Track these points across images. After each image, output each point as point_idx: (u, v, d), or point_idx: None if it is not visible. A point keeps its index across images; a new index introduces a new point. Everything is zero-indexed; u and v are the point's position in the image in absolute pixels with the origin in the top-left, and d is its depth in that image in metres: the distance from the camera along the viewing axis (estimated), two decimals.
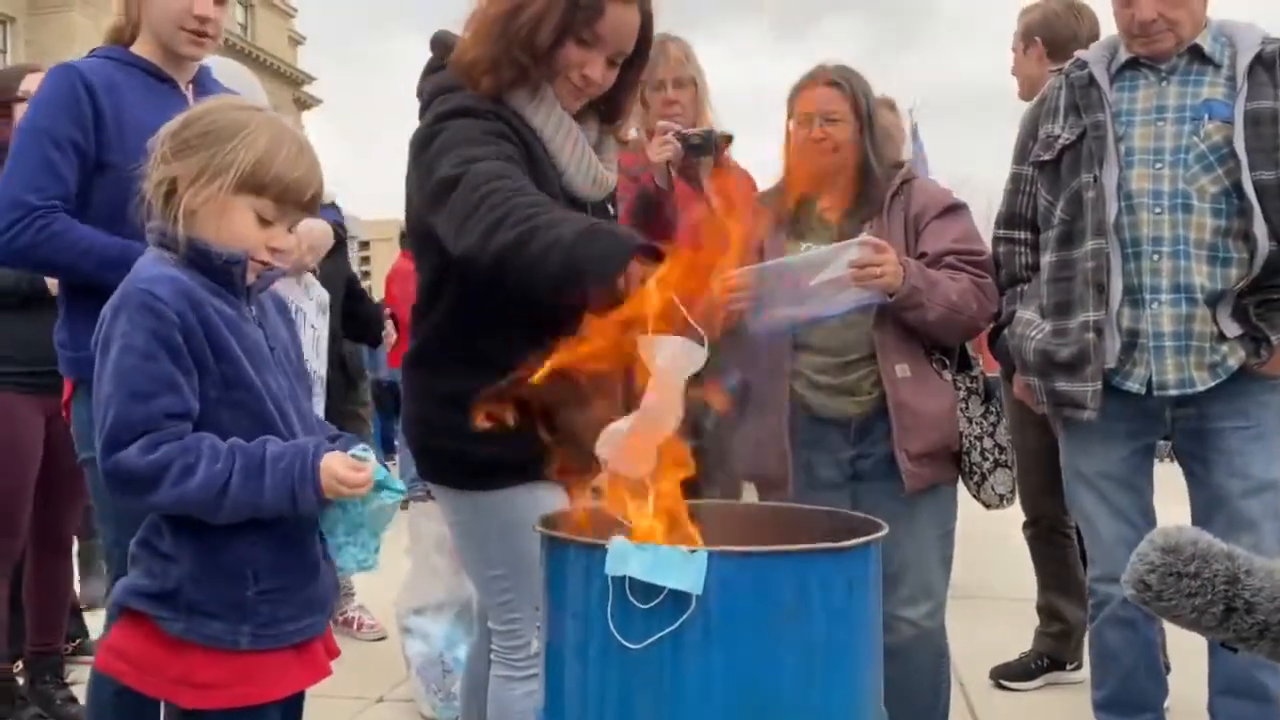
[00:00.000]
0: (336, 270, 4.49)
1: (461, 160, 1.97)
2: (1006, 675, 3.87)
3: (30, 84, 3.49)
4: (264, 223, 1.78)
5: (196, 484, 1.64)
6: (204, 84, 2.61)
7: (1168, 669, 3.36)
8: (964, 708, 3.66)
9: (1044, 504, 3.78)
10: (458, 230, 1.91)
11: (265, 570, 1.74)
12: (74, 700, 3.58)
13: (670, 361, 1.65)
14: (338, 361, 4.54)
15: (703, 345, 1.67)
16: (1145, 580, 1.48)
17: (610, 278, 1.74)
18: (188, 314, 1.69)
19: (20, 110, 3.40)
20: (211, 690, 1.71)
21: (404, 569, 3.74)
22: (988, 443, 2.82)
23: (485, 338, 2.10)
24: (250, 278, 1.82)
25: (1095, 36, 3.65)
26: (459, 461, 2.12)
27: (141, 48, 2.53)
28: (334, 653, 1.93)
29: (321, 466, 1.73)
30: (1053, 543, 3.86)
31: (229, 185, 1.73)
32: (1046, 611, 3.91)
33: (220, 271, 1.77)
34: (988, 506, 2.89)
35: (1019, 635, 4.02)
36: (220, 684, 1.71)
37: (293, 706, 1.91)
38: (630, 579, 1.47)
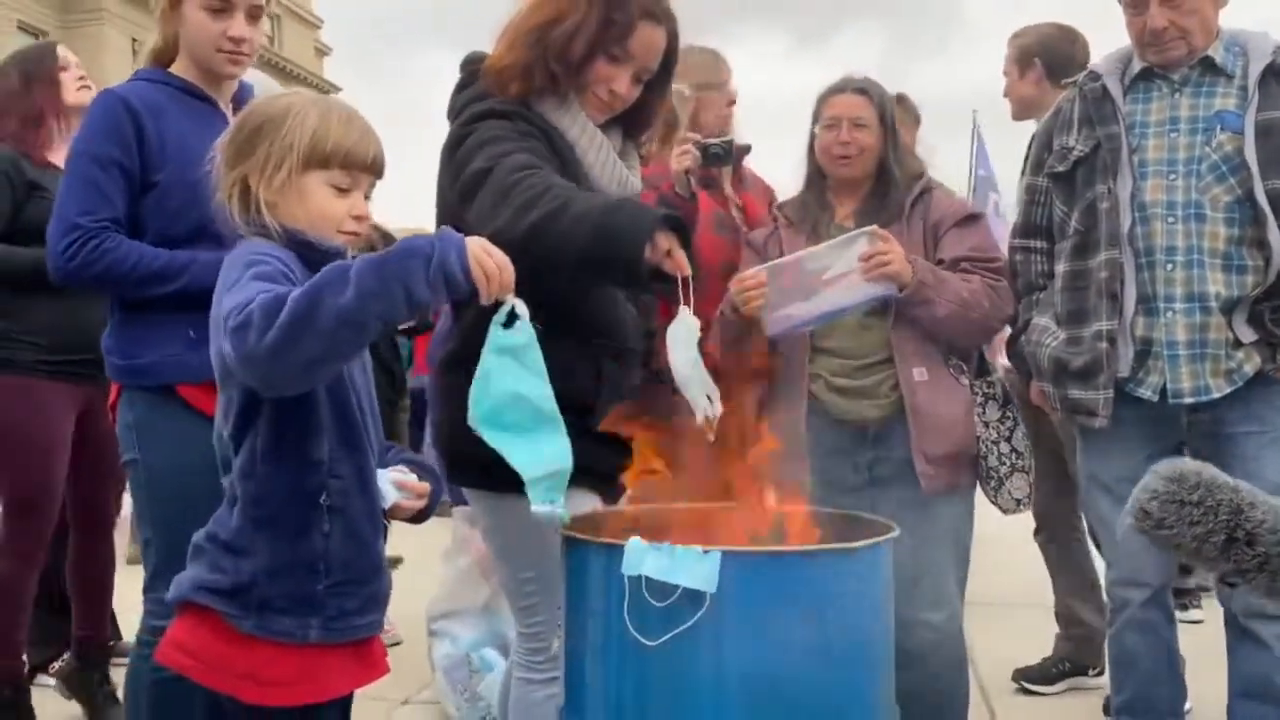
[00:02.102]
0: None
1: (493, 155, 2.05)
2: (1028, 677, 3.88)
3: (64, 51, 3.55)
4: (340, 193, 1.80)
5: (316, 278, 1.56)
6: (244, 103, 2.64)
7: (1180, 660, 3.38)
8: (984, 711, 3.67)
9: (1051, 508, 3.79)
10: (491, 212, 1.99)
11: (336, 564, 1.74)
12: (113, 698, 3.56)
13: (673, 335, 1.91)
14: (381, 366, 4.53)
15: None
16: (1146, 509, 1.49)
17: (636, 249, 1.84)
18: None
19: (67, 78, 3.50)
20: (275, 687, 1.72)
21: (419, 574, 3.77)
22: (1004, 447, 2.85)
23: None
24: (350, 255, 1.84)
25: (1087, 61, 3.70)
26: (492, 466, 2.16)
27: (180, 68, 2.58)
28: (384, 652, 1.93)
29: (470, 241, 1.60)
30: (1065, 546, 3.87)
31: (296, 166, 1.76)
32: (1065, 617, 3.92)
33: (320, 263, 1.74)
34: (1004, 511, 2.91)
35: (1042, 639, 4.03)
36: (284, 681, 1.72)
37: (345, 706, 1.92)
38: (646, 578, 1.52)
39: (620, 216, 1.87)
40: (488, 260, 1.60)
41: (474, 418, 1.65)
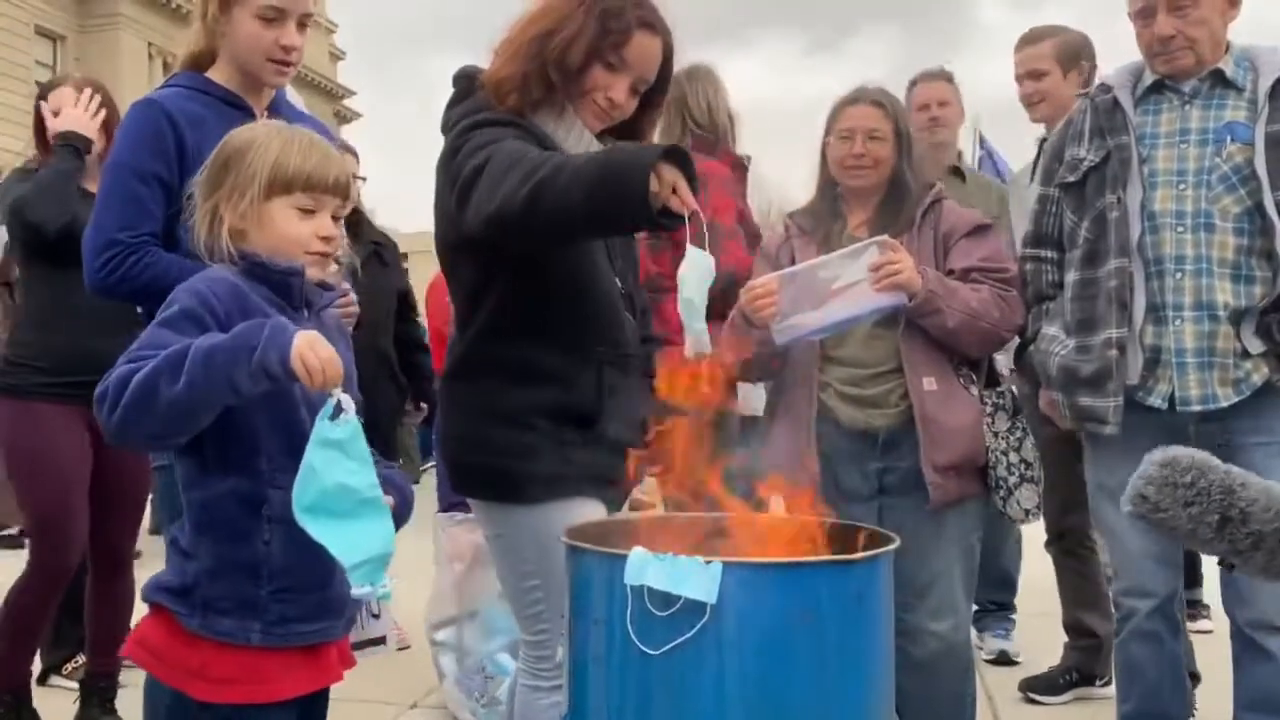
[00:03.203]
0: (384, 284, 4.56)
1: (491, 150, 2.07)
2: (1035, 688, 3.87)
3: (56, 101, 3.45)
4: (306, 215, 1.88)
5: (162, 355, 1.67)
6: (279, 109, 2.64)
7: (1197, 680, 3.37)
8: (990, 719, 3.68)
9: (1069, 520, 3.78)
10: (490, 193, 2.00)
11: (278, 570, 1.80)
12: None
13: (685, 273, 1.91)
14: (388, 375, 4.54)
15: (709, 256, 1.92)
16: (1143, 494, 1.57)
17: (640, 183, 1.83)
18: (235, 315, 1.77)
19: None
20: (222, 685, 1.79)
21: (428, 578, 3.79)
22: (1014, 457, 2.85)
23: (524, 349, 2.18)
24: (315, 272, 1.91)
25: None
26: (502, 476, 2.18)
27: (219, 74, 2.56)
28: (349, 661, 1.98)
29: (299, 335, 1.68)
30: (1078, 557, 3.86)
31: (259, 194, 1.85)
32: (1074, 627, 3.91)
33: (279, 284, 1.86)
34: (1014, 521, 2.92)
35: (1050, 648, 4.03)
36: (231, 679, 1.79)
37: (315, 710, 1.98)
38: (649, 588, 1.53)
39: (621, 155, 1.89)
40: (310, 356, 1.66)
41: (297, 507, 1.71)
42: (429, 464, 9.48)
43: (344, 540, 1.71)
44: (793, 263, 2.93)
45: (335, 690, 2.12)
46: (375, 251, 4.59)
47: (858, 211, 3.00)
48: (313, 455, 1.70)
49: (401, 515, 1.93)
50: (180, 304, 1.78)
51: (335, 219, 1.93)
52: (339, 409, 1.71)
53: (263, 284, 1.85)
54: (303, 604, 1.83)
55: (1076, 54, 3.77)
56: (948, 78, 4.48)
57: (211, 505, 1.81)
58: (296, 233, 1.87)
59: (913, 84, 4.47)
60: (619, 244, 2.34)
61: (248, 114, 2.52)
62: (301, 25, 2.54)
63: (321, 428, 1.71)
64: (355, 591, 1.72)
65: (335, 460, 1.71)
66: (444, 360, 2.37)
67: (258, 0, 2.46)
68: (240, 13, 2.49)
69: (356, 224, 4.63)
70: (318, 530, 1.70)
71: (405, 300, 4.77)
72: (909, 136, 2.96)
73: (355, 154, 4.79)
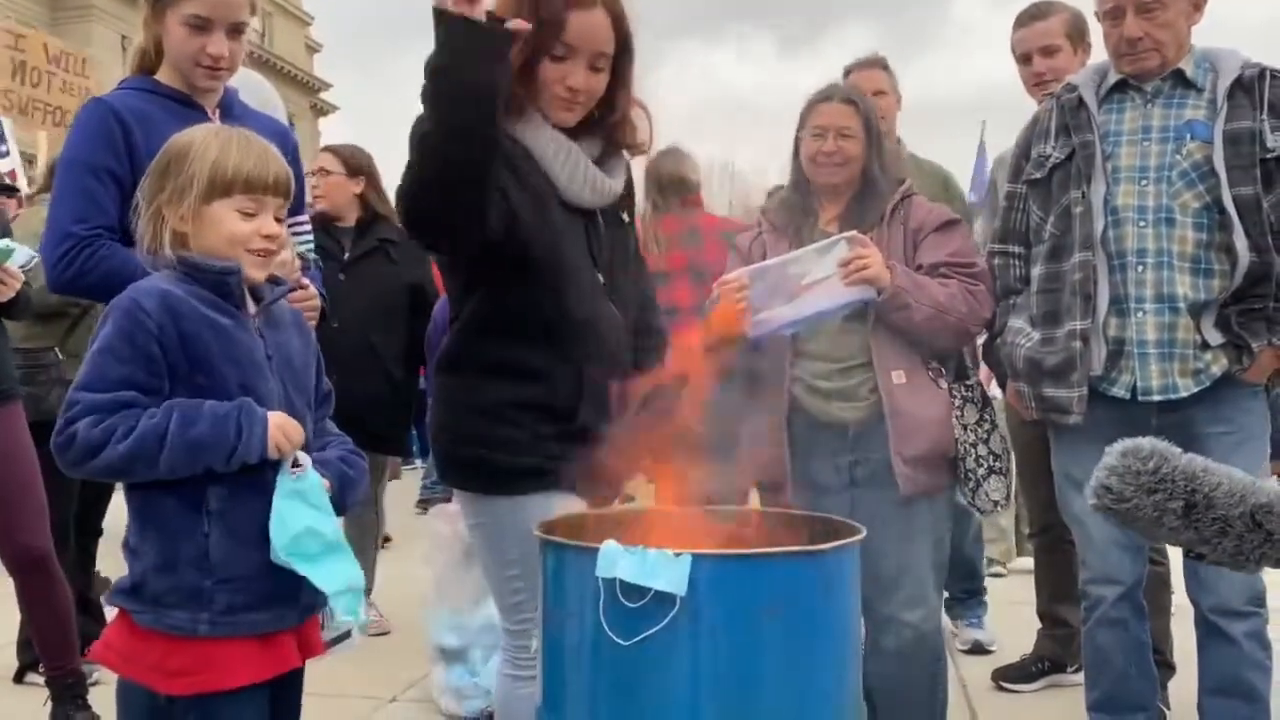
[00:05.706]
0: (385, 281, 4.55)
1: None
2: (1007, 677, 3.92)
3: None
4: (248, 217, 1.94)
5: (136, 435, 1.79)
6: (230, 107, 2.67)
7: (1173, 670, 3.43)
8: (964, 707, 3.72)
9: (1053, 515, 3.80)
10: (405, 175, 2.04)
11: (221, 561, 1.86)
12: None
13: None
14: (370, 367, 4.48)
15: None
16: (1107, 485, 1.55)
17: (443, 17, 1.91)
18: (168, 326, 1.84)
19: None
20: (179, 677, 1.85)
21: (407, 564, 3.78)
22: (982, 449, 2.89)
23: (505, 345, 2.20)
24: (258, 275, 1.97)
25: None
26: (482, 468, 2.21)
27: (165, 74, 2.60)
28: (312, 650, 2.03)
29: (271, 415, 1.88)
30: (1060, 551, 3.88)
31: (199, 197, 1.90)
32: (1049, 617, 3.95)
33: (216, 284, 1.92)
34: (982, 512, 2.97)
35: (1023, 636, 4.08)
36: (186, 671, 1.85)
37: (289, 698, 2.03)
38: (620, 580, 1.56)
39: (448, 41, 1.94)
40: (281, 438, 1.88)
41: (277, 549, 1.87)
42: (413, 463, 9.47)
43: (324, 574, 1.90)
44: (764, 258, 2.97)
45: (313, 683, 2.14)
46: (383, 249, 4.60)
47: (829, 207, 3.03)
48: (280, 504, 1.87)
49: (344, 495, 2.06)
50: (114, 323, 1.85)
51: (279, 219, 1.98)
52: (296, 463, 1.90)
53: (200, 285, 1.90)
54: (249, 592, 1.88)
55: (1083, 30, 3.69)
56: (882, 64, 4.38)
57: (152, 503, 1.88)
58: (239, 231, 1.93)
59: (846, 73, 4.38)
60: (606, 237, 2.33)
61: (197, 111, 2.56)
62: (233, 34, 2.56)
63: (284, 481, 1.89)
64: (340, 618, 1.89)
65: (299, 508, 1.89)
66: (430, 340, 2.41)
67: (183, 9, 2.50)
68: (170, 19, 2.53)
69: (369, 222, 4.66)
70: (301, 567, 1.88)
71: (420, 295, 4.74)
72: (880, 134, 3.00)
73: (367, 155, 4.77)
